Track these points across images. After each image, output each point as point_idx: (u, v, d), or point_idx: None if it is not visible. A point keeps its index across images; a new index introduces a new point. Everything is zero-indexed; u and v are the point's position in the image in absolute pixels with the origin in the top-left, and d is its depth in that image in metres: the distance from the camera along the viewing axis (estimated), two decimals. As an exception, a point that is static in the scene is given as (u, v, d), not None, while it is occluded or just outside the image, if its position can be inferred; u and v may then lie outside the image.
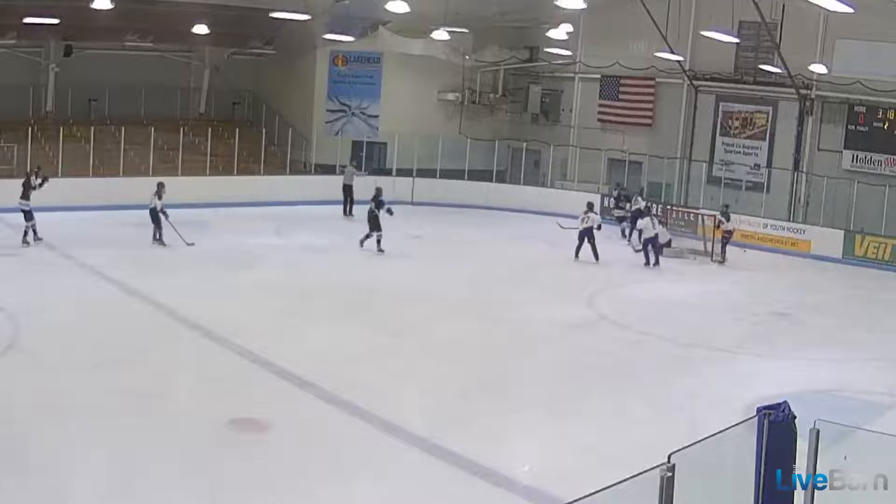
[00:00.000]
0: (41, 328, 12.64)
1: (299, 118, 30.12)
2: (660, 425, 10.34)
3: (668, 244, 23.04)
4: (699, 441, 5.63)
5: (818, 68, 24.67)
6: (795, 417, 6.27)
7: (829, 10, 19.40)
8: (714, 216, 23.12)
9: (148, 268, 17.48)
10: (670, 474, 5.11)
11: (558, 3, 19.94)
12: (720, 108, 28.31)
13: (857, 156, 25.28)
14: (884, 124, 24.82)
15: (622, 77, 29.88)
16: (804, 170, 26.42)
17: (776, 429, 6.18)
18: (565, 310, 16.17)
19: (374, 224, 20.62)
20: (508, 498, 8.54)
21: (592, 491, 4.77)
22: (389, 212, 20.79)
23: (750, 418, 6.33)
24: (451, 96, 31.83)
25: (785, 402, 6.34)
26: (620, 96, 30.14)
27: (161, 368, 11.68)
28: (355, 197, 25.98)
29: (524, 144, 30.91)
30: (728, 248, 22.68)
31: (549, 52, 30.80)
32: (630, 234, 23.59)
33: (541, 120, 32.56)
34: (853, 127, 25.34)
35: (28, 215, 19.00)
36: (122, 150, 25.30)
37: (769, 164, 27.10)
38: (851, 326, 16.51)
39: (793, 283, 20.56)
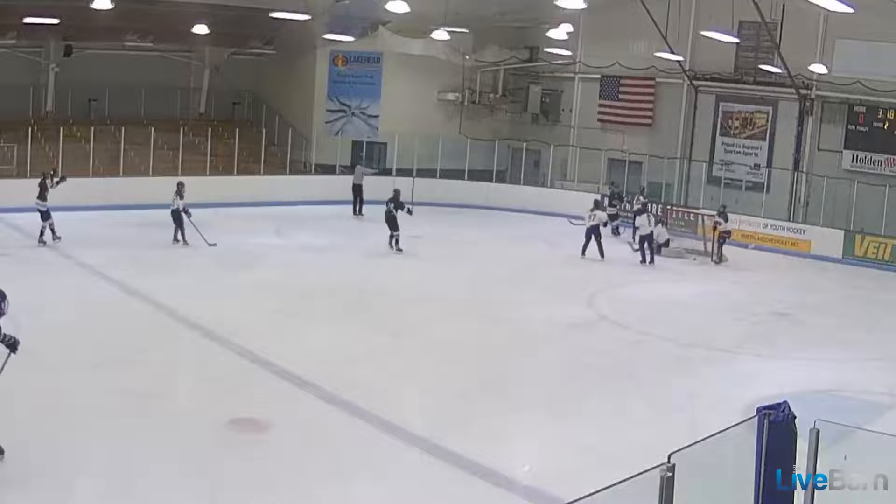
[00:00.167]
0: (41, 328, 12.60)
1: (299, 118, 30.13)
2: (660, 425, 10.34)
3: (667, 244, 23.08)
4: (699, 441, 5.63)
5: (818, 68, 24.67)
6: (795, 417, 6.27)
7: (829, 10, 19.40)
8: (712, 217, 23.14)
9: (148, 268, 17.48)
10: (670, 474, 5.11)
11: (558, 3, 19.94)
12: (720, 108, 28.32)
13: (857, 156, 25.28)
14: (884, 124, 24.82)
15: (622, 77, 29.88)
16: (804, 170, 26.42)
17: (776, 429, 6.18)
18: (565, 310, 16.17)
19: (393, 224, 21.02)
20: (508, 498, 8.53)
21: (592, 491, 4.76)
22: (409, 212, 21.30)
23: (750, 418, 6.33)
24: (451, 96, 31.84)
25: (785, 402, 6.34)
26: (620, 96, 30.15)
27: (161, 368, 11.68)
28: (364, 197, 26.19)
29: (524, 144, 30.92)
30: (730, 247, 22.70)
31: (549, 52, 30.80)
32: (634, 234, 23.64)
33: (541, 120, 32.56)
34: (853, 127, 25.34)
35: (44, 215, 19.08)
36: (122, 150, 25.32)
37: (769, 164, 27.10)
38: (851, 326, 16.50)
39: (793, 283, 20.56)
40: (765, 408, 6.27)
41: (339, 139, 30.72)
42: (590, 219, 21.70)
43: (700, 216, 24.46)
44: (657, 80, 29.21)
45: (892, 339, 15.39)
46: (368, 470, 8.94)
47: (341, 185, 28.40)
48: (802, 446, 6.27)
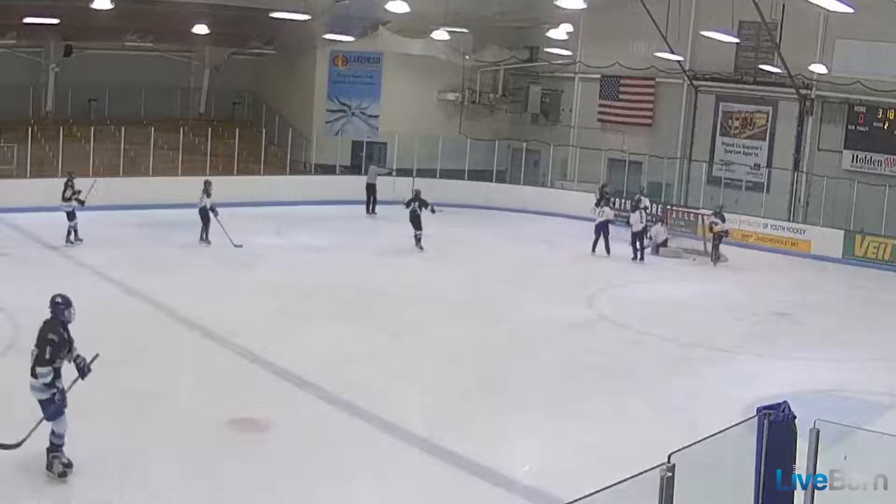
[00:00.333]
0: (41, 328, 12.64)
1: (299, 118, 30.13)
2: (660, 425, 10.34)
3: (665, 243, 23.12)
4: (699, 441, 5.63)
5: (818, 68, 24.67)
6: (795, 417, 6.27)
7: (829, 10, 19.40)
8: (709, 217, 23.16)
9: (148, 268, 17.48)
10: (670, 474, 5.11)
11: (558, 3, 19.94)
12: (720, 108, 28.32)
13: (857, 156, 25.28)
14: (884, 124, 24.82)
15: (622, 77, 29.89)
16: (804, 170, 26.42)
17: (776, 429, 6.18)
18: (565, 310, 16.17)
19: (417, 223, 21.35)
20: (508, 498, 8.53)
21: (592, 491, 4.76)
22: (433, 211, 21.64)
23: (750, 418, 6.33)
24: (451, 96, 31.85)
25: (785, 402, 6.34)
26: (620, 96, 30.15)
27: (161, 368, 11.67)
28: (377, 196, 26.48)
29: (524, 144, 30.93)
30: (732, 248, 22.71)
31: (549, 52, 30.81)
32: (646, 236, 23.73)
33: (541, 120, 32.57)
34: (853, 127, 25.34)
35: (70, 215, 19.15)
36: (122, 150, 25.31)
37: (769, 164, 27.11)
38: (851, 326, 16.50)
39: (793, 283, 20.56)
40: (765, 408, 6.27)
41: (339, 139, 30.72)
42: (598, 215, 22.17)
43: (700, 216, 24.48)
44: (657, 80, 29.21)
45: (892, 339, 15.39)
46: (368, 470, 8.94)
47: (341, 185, 28.46)
48: (802, 446, 6.27)
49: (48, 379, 8.09)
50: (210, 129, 27.56)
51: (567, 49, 30.12)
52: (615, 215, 22.99)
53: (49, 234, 19.41)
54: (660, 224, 23.55)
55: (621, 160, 29.29)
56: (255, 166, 28.06)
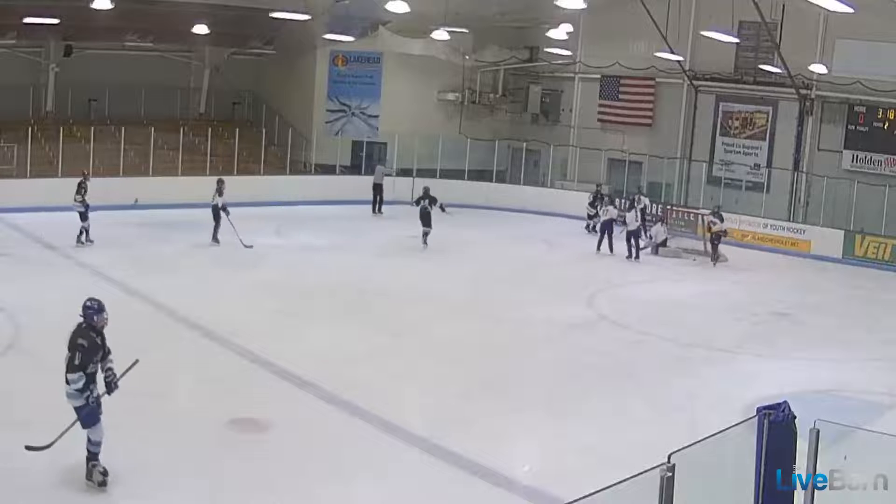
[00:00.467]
0: (41, 328, 12.59)
1: (299, 118, 30.13)
2: (660, 425, 10.34)
3: (665, 243, 23.14)
4: (699, 441, 5.63)
5: (818, 68, 24.67)
6: (795, 417, 6.27)
7: (829, 10, 19.39)
8: (707, 217, 23.18)
9: (148, 268, 17.48)
10: (670, 474, 5.11)
11: (558, 3, 19.94)
12: (720, 108, 28.32)
13: (857, 156, 25.28)
14: (884, 124, 24.82)
15: (622, 77, 29.88)
16: (804, 170, 26.42)
17: (776, 429, 6.18)
18: (565, 310, 16.17)
19: (427, 220, 21.46)
20: (508, 498, 8.53)
21: (592, 491, 4.76)
22: (442, 209, 21.79)
23: (750, 418, 6.33)
24: (451, 96, 31.85)
25: (785, 402, 6.34)
26: (620, 96, 30.15)
27: (161, 368, 11.64)
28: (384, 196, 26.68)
29: (524, 144, 30.93)
30: (732, 247, 22.70)
31: (549, 52, 30.81)
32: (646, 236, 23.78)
33: (541, 120, 32.57)
34: (853, 127, 25.34)
35: (83, 215, 19.15)
36: (122, 150, 25.31)
37: (769, 164, 27.11)
38: (851, 326, 16.50)
39: (793, 283, 20.56)
40: (765, 408, 6.27)
41: (339, 139, 30.72)
42: (603, 214, 22.42)
43: (700, 216, 24.50)
44: (657, 80, 29.21)
45: (892, 339, 15.39)
46: (368, 470, 8.94)
47: (341, 185, 28.47)
48: (802, 446, 6.27)
49: (80, 385, 7.91)
50: (210, 129, 27.56)
51: (567, 49, 30.11)
52: (617, 214, 23.12)
53: (49, 234, 19.40)
54: (660, 224, 23.56)
55: (621, 160, 29.30)
56: (255, 166, 28.05)
